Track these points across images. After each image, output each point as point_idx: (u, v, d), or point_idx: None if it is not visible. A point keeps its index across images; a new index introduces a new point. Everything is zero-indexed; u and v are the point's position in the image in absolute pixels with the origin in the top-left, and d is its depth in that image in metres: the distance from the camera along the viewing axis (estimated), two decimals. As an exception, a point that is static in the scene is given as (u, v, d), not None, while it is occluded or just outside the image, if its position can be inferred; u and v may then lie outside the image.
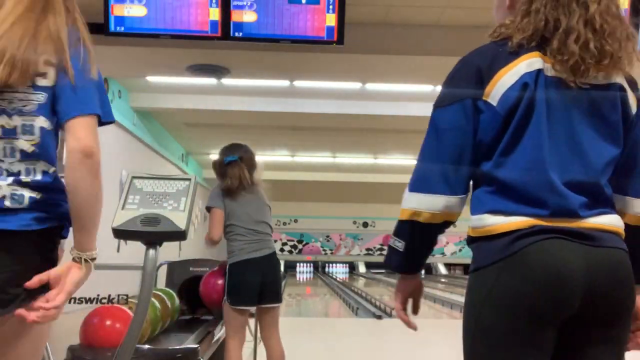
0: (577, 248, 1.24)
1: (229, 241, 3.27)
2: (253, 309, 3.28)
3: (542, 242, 1.24)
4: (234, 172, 3.23)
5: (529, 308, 1.23)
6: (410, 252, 1.37)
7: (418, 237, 1.36)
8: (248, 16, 5.54)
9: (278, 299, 3.30)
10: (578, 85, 1.29)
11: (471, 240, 1.35)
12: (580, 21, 1.28)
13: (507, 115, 1.29)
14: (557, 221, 1.26)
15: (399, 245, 1.36)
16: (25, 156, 1.34)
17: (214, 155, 3.32)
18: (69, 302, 1.87)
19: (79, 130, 1.32)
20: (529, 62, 1.30)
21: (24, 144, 1.34)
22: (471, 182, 1.38)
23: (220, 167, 3.32)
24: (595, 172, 1.30)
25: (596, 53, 1.27)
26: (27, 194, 1.34)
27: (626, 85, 1.34)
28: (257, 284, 3.17)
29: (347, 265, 23.69)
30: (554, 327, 1.25)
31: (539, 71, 1.30)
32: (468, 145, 1.32)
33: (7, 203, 1.32)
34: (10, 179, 1.33)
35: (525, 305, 1.23)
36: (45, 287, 1.32)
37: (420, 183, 1.34)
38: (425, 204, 1.32)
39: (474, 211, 1.33)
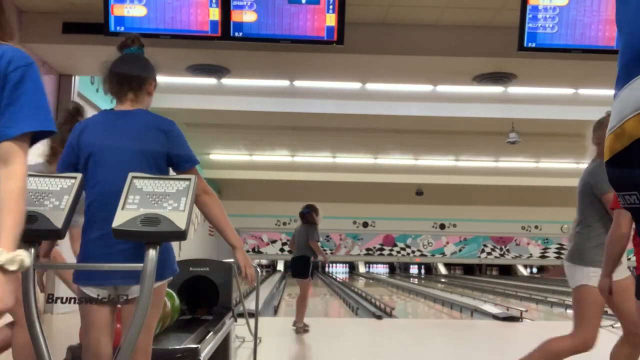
0: None
1: None
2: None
3: None
4: (302, 218, 6.63)
5: None
6: None
7: None
8: (248, 16, 5.54)
9: (301, 277, 6.46)
10: None
11: None
12: None
13: None
14: None
15: None
16: None
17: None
18: (69, 302, 1.87)
19: None
20: None
21: None
22: None
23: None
24: None
25: None
26: None
27: None
28: (292, 268, 6.72)
29: (347, 265, 23.71)
30: None
31: None
32: None
33: None
34: None
35: None
36: None
37: None
38: None
39: None
